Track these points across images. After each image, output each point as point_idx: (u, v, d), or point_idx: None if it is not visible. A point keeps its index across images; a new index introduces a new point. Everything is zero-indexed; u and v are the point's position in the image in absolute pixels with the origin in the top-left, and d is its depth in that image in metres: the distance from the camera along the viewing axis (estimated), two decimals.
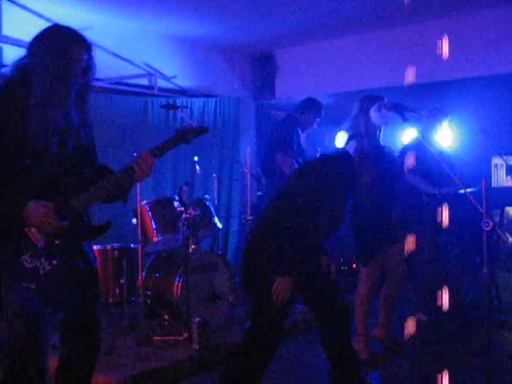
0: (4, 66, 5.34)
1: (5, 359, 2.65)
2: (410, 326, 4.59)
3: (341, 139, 6.76)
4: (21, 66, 2.65)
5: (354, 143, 4.57)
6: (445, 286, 4.24)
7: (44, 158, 2.60)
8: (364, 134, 4.57)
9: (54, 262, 2.62)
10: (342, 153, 3.67)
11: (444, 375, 4.06)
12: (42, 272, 2.59)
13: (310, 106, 6.31)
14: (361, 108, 4.69)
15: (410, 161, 5.19)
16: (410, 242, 4.36)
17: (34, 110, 2.55)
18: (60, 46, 2.60)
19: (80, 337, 2.83)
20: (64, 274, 2.67)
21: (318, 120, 6.33)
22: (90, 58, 2.71)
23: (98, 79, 6.34)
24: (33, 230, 2.59)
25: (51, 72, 2.57)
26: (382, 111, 4.53)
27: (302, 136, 6.35)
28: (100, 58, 6.22)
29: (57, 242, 2.64)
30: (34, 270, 2.58)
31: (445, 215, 4.50)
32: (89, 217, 2.82)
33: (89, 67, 2.70)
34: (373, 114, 4.57)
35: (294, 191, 3.48)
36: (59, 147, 2.65)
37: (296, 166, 5.83)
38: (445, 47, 4.25)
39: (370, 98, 4.69)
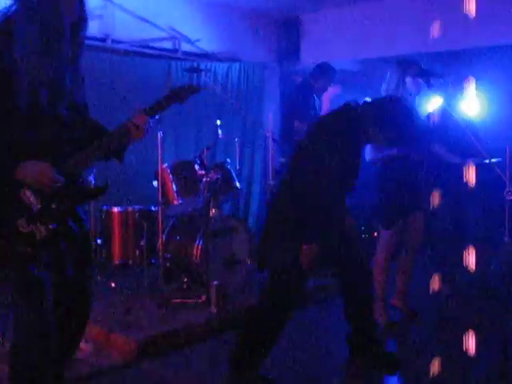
0: None
1: (13, 326, 2.65)
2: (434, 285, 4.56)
3: None
4: (7, 15, 2.53)
5: None
6: (470, 247, 4.19)
7: (35, 114, 2.52)
8: None
9: (51, 226, 2.55)
10: (345, 107, 3.57)
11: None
12: (38, 237, 2.53)
13: (323, 71, 6.23)
14: (396, 73, 4.58)
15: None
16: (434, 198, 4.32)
17: (19, 60, 2.44)
18: None
19: (72, 301, 2.83)
20: (60, 238, 2.62)
21: (330, 85, 6.23)
22: (83, 9, 2.61)
23: (122, 42, 6.38)
24: (27, 192, 2.51)
25: (39, 20, 2.46)
26: (416, 79, 4.44)
27: (318, 102, 6.29)
28: (124, 21, 6.33)
29: (53, 205, 2.57)
30: (30, 235, 2.51)
31: (470, 178, 4.43)
32: (84, 178, 2.75)
33: (81, 19, 2.61)
34: (408, 80, 4.48)
35: (308, 154, 3.44)
36: (50, 104, 2.56)
37: None
38: (471, 7, 4.15)
39: (406, 64, 4.56)
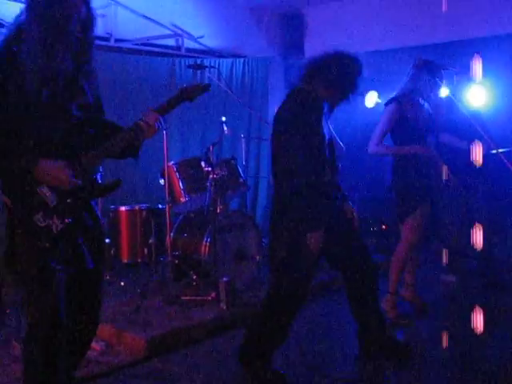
0: None
1: (27, 319, 2.69)
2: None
3: (371, 99, 6.70)
4: (18, 22, 2.62)
5: (393, 106, 4.50)
6: (477, 225, 4.18)
7: (53, 115, 2.60)
8: (407, 97, 4.49)
9: (66, 220, 2.64)
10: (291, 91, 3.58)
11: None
12: (54, 230, 2.61)
13: None
14: (416, 72, 4.58)
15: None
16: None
17: (25, 59, 2.52)
18: None
19: (86, 296, 2.88)
20: (76, 232, 2.70)
21: None
22: (89, 10, 2.66)
23: (124, 40, 6.39)
24: (44, 189, 2.60)
25: (46, 22, 2.53)
26: (434, 79, 4.48)
27: None
28: (127, 19, 6.33)
29: (68, 200, 2.66)
30: (47, 229, 2.60)
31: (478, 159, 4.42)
32: (97, 175, 2.84)
33: (88, 20, 2.66)
34: (427, 80, 4.49)
35: (276, 141, 3.45)
36: (61, 102, 2.63)
37: None
38: None
39: (428, 65, 4.58)
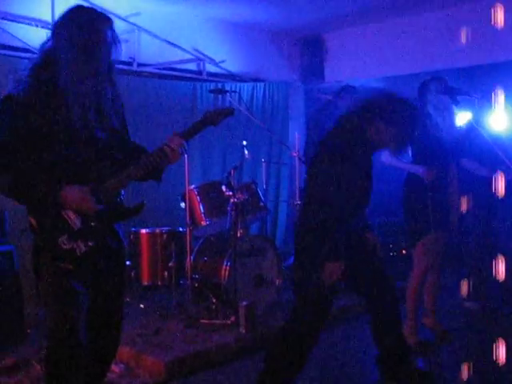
0: None
1: (47, 339, 2.70)
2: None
3: None
4: (45, 49, 2.66)
5: None
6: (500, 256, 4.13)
7: (81, 139, 2.63)
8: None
9: (90, 243, 2.67)
10: (336, 130, 3.54)
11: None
12: (78, 253, 2.64)
13: (347, 91, 6.19)
14: (423, 90, 4.57)
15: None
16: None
17: (65, 88, 2.56)
18: (83, 24, 2.60)
19: (107, 318, 2.89)
20: (99, 255, 2.73)
21: None
22: (114, 33, 2.70)
23: (147, 64, 6.46)
24: (69, 213, 2.64)
25: (77, 49, 2.57)
26: (442, 96, 4.44)
27: None
28: (149, 44, 6.42)
29: (92, 223, 2.69)
30: (70, 252, 2.63)
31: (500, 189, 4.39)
32: (122, 198, 2.86)
33: (114, 43, 2.70)
34: (434, 97, 4.47)
35: (316, 185, 3.40)
36: (94, 127, 2.67)
37: None
38: (500, 17, 4.11)
39: (433, 81, 4.56)
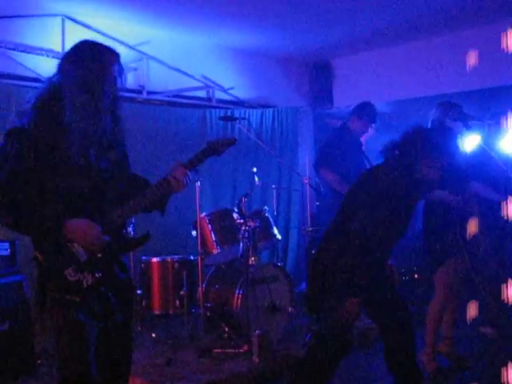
0: None
1: (57, 372, 2.66)
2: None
3: None
4: (52, 82, 2.66)
5: None
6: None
7: (83, 172, 2.63)
8: None
9: (97, 274, 2.65)
10: (388, 161, 3.52)
11: None
12: (85, 285, 2.62)
13: (363, 109, 6.07)
14: (437, 115, 4.56)
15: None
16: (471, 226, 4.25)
17: (68, 125, 2.57)
18: (89, 61, 2.61)
19: (117, 349, 2.84)
20: (106, 286, 2.70)
21: (372, 125, 6.12)
22: (120, 67, 2.71)
23: (156, 92, 6.49)
24: (75, 245, 2.62)
25: (82, 86, 2.58)
26: (456, 122, 4.43)
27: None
28: (158, 72, 6.45)
29: (98, 255, 2.67)
30: (77, 283, 2.61)
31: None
32: (127, 229, 2.86)
33: (119, 75, 2.71)
34: (448, 123, 4.46)
35: (353, 216, 3.38)
36: (97, 160, 2.67)
37: (338, 178, 5.64)
38: (509, 41, 4.12)
39: (448, 106, 4.55)
